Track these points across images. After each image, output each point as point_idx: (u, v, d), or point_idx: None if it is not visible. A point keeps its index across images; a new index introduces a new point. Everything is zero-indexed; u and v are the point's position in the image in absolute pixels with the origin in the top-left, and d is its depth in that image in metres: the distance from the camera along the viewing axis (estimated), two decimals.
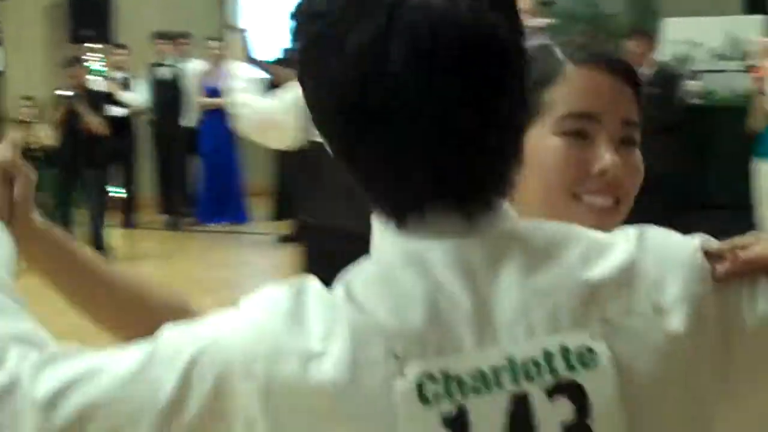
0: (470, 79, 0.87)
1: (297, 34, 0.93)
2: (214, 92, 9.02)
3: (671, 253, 0.94)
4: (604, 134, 1.19)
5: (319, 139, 0.97)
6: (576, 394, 0.87)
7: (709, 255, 0.94)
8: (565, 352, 0.87)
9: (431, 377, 0.84)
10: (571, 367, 0.87)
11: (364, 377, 0.84)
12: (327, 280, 0.90)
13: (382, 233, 0.94)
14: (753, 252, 0.96)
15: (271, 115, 4.01)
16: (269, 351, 0.86)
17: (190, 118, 9.38)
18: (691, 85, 8.36)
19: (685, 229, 1.11)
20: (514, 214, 0.95)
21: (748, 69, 7.85)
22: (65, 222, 7.24)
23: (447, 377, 0.85)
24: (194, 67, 9.53)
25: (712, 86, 8.65)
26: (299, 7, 0.94)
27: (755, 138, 6.95)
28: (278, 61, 8.21)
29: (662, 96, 7.39)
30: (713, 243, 0.97)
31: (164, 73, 9.55)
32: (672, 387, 0.90)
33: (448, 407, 0.85)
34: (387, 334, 0.85)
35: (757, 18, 8.73)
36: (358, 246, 1.00)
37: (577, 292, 0.89)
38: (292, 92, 3.77)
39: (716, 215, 6.69)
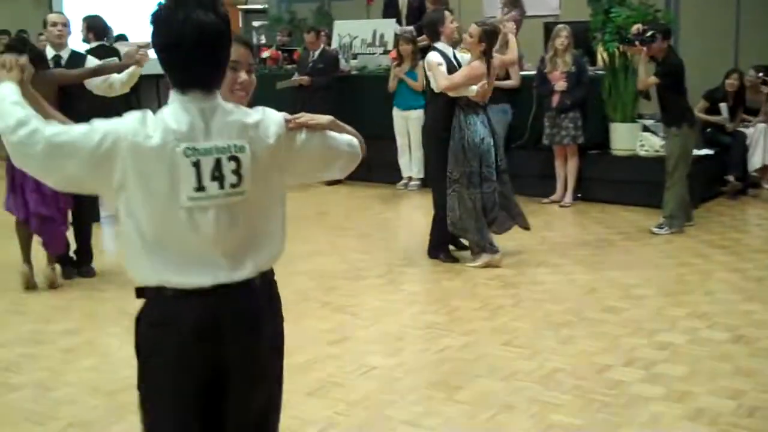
0: (210, 46, 2.23)
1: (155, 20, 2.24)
2: None
3: (274, 116, 2.39)
4: (242, 68, 2.55)
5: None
6: (238, 161, 2.29)
7: (288, 119, 2.40)
8: (234, 146, 2.29)
9: (189, 147, 2.24)
10: (237, 149, 2.30)
11: (167, 146, 2.21)
12: None
13: (173, 96, 2.28)
14: (309, 119, 2.44)
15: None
16: (134, 132, 2.21)
17: None
18: (352, 62, 10.91)
19: None
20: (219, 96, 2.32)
21: (386, 52, 10.66)
22: None
23: (195, 149, 2.25)
24: None
25: (363, 63, 10.91)
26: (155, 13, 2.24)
27: (392, 94, 9.85)
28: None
29: (325, 68, 10.18)
30: (295, 116, 2.41)
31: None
32: (269, 162, 2.35)
33: (194, 159, 2.24)
34: (174, 131, 2.23)
35: (392, 20, 11.07)
36: None
37: (240, 125, 2.30)
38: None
39: (369, 143, 9.88)
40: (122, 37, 11.69)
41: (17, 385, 4.52)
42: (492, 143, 6.61)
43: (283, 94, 10.50)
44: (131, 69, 6.44)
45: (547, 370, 4.64)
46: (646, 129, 9.02)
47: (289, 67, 11.42)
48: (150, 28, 2.30)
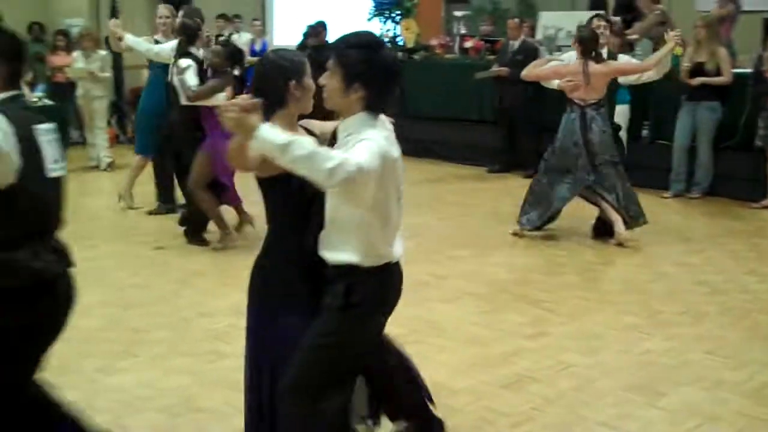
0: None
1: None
2: (255, 53, 12.64)
3: None
4: None
5: None
6: None
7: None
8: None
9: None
10: None
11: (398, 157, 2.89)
12: None
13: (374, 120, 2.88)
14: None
15: None
16: (388, 148, 2.83)
17: (237, 70, 13.05)
18: (555, 54, 9.62)
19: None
20: None
21: None
22: None
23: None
24: (243, 37, 12.84)
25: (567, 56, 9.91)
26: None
27: None
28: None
29: (524, 60, 8.99)
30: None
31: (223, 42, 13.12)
32: None
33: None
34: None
35: (599, 12, 9.38)
36: None
37: None
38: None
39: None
40: None
41: (227, 353, 4.75)
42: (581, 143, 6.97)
43: (483, 84, 10.56)
44: None
45: (757, 383, 4.43)
46: None
47: (491, 57, 11.39)
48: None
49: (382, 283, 3.01)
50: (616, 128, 7.57)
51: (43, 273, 2.79)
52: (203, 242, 7.17)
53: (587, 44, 6.97)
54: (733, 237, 7.40)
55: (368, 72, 2.84)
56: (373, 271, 2.95)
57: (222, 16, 13.04)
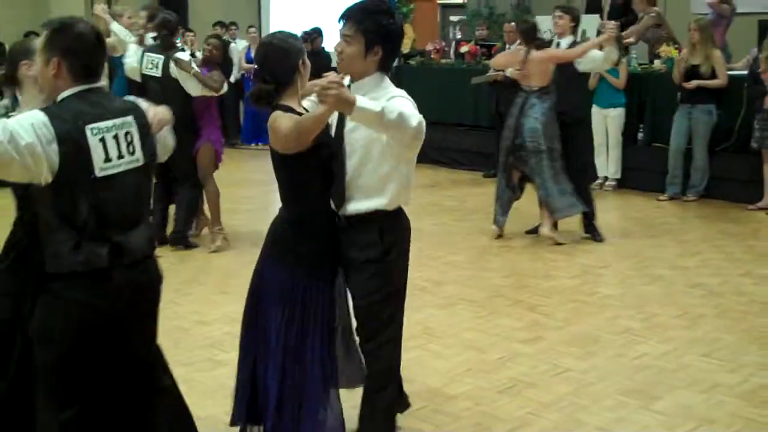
0: None
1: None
2: (251, 60, 13.03)
3: None
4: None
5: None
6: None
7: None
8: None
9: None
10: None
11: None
12: None
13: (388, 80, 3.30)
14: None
15: None
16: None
17: (234, 76, 12.64)
18: None
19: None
20: None
21: None
22: None
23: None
24: (240, 45, 13.05)
25: None
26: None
27: (592, 92, 9.42)
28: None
29: None
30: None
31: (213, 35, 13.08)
32: None
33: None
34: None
35: (595, 16, 10.60)
36: None
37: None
38: None
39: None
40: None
41: (223, 361, 4.75)
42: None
43: (479, 88, 10.56)
44: None
45: (752, 385, 4.43)
46: None
47: (487, 62, 11.37)
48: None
49: (403, 223, 3.41)
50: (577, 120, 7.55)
51: (86, 264, 2.82)
52: (189, 244, 7.33)
53: (526, 34, 7.41)
54: (729, 239, 7.40)
55: (387, 36, 3.24)
56: (395, 213, 3.35)
57: (219, 23, 13.13)
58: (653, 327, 5.32)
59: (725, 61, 9.04)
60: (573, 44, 7.43)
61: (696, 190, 8.95)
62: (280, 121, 3.18)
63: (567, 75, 7.31)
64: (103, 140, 2.84)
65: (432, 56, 12.35)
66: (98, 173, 2.83)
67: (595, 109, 9.61)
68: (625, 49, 9.48)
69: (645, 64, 10.18)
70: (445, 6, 14.88)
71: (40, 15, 12.72)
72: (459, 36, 13.33)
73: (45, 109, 2.80)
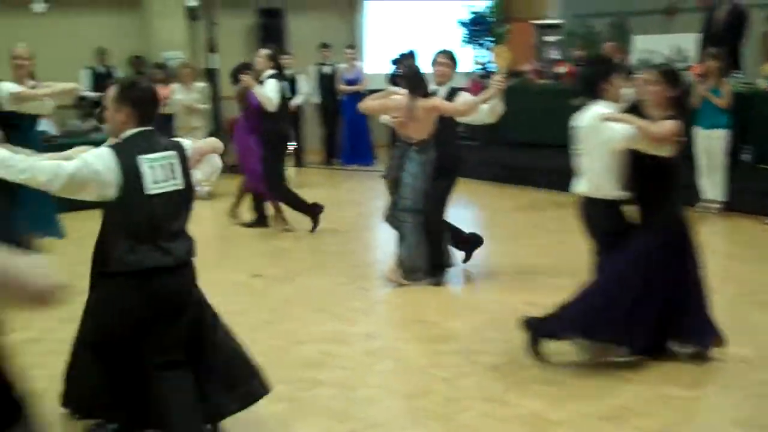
0: None
1: None
2: (349, 82, 12.97)
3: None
4: None
5: None
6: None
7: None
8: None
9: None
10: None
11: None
12: None
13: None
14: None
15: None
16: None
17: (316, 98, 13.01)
18: None
19: None
20: None
21: (687, 68, 9.98)
22: None
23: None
24: (342, 67, 13.17)
25: None
26: None
27: (694, 111, 9.04)
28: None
29: None
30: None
31: (326, 70, 13.22)
32: None
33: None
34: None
35: (692, 35, 10.88)
36: None
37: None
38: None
39: None
40: None
41: (322, 381, 4.74)
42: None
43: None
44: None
45: None
46: None
47: None
48: None
49: None
50: None
51: (135, 264, 3.60)
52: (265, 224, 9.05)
53: (410, 81, 6.68)
54: None
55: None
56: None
57: (324, 46, 13.45)
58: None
59: None
60: (451, 92, 6.87)
61: None
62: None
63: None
64: (152, 167, 3.68)
65: (529, 77, 12.20)
66: (149, 191, 3.65)
67: (698, 130, 9.29)
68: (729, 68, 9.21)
69: (749, 83, 9.86)
70: (541, 26, 14.72)
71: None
72: (555, 56, 13.15)
73: (112, 146, 3.71)
